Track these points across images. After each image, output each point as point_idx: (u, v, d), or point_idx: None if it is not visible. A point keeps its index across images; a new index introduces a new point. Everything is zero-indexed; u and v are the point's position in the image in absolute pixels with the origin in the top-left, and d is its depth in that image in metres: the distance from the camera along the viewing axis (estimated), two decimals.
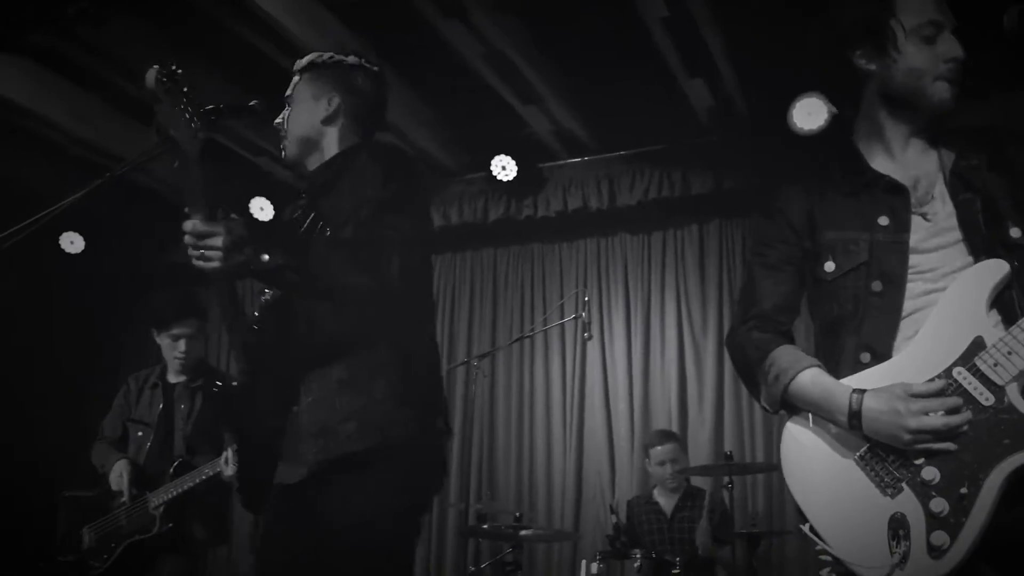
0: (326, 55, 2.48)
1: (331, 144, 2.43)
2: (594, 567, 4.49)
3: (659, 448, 5.11)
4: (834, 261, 1.97)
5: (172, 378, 4.24)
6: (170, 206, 6.66)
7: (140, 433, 4.15)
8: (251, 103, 2.33)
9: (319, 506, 2.13)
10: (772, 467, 5.13)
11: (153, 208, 6.63)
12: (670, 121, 5.80)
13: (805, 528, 1.84)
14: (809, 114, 5.18)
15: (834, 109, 5.00)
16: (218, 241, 1.92)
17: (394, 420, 2.16)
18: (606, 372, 6.34)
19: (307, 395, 2.20)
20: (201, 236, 1.93)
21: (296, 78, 2.51)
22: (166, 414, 4.16)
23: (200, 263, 1.95)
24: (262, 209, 6.16)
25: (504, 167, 6.02)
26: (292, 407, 2.20)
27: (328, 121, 2.43)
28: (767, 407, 1.99)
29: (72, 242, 6.34)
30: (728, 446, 5.59)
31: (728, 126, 5.74)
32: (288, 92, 2.49)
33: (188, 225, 1.93)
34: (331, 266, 2.04)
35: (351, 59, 2.49)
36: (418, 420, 2.19)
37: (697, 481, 5.37)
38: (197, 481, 3.90)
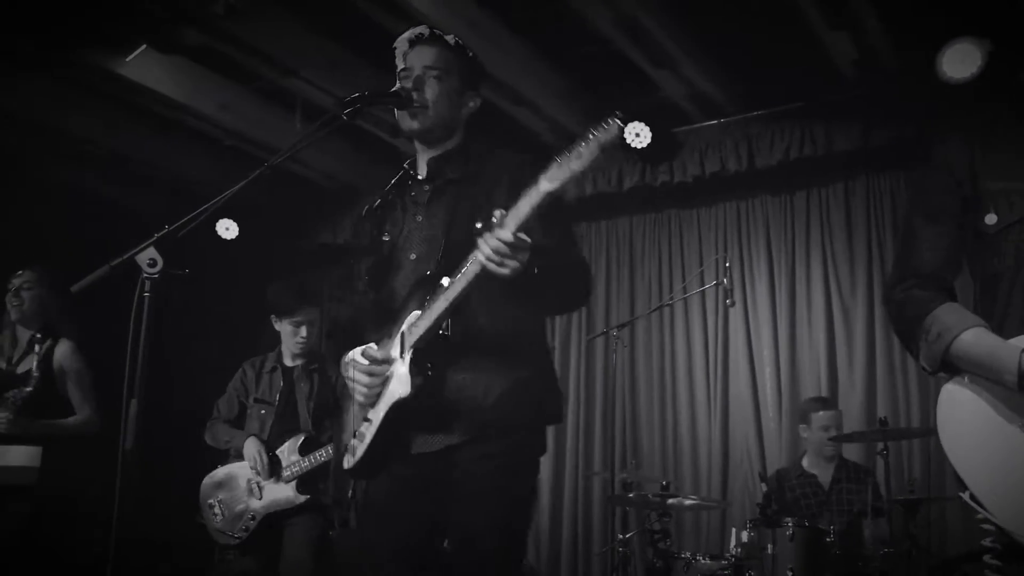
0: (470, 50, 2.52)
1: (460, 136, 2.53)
2: (744, 535, 4.45)
3: (820, 414, 5.01)
4: (996, 213, 1.88)
5: (288, 362, 4.57)
6: (318, 190, 6.95)
7: (263, 411, 4.49)
8: (394, 88, 2.42)
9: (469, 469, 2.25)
10: (929, 432, 4.92)
11: (301, 193, 6.91)
12: (810, 77, 5.58)
13: (965, 496, 1.77)
14: (962, 61, 4.87)
15: (987, 55, 4.68)
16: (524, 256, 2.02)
17: (544, 397, 2.39)
18: (750, 339, 6.22)
19: (460, 372, 2.28)
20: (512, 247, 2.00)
21: (442, 52, 2.45)
22: (287, 394, 4.49)
23: (501, 269, 2.02)
24: None
25: (638, 134, 5.93)
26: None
27: (465, 117, 2.53)
28: (926, 367, 1.90)
29: (228, 228, 6.65)
30: (882, 411, 5.40)
31: (874, 79, 5.47)
32: (430, 62, 2.42)
33: (504, 235, 1.99)
34: None
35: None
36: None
37: (848, 449, 5.22)
38: (326, 456, 4.20)
